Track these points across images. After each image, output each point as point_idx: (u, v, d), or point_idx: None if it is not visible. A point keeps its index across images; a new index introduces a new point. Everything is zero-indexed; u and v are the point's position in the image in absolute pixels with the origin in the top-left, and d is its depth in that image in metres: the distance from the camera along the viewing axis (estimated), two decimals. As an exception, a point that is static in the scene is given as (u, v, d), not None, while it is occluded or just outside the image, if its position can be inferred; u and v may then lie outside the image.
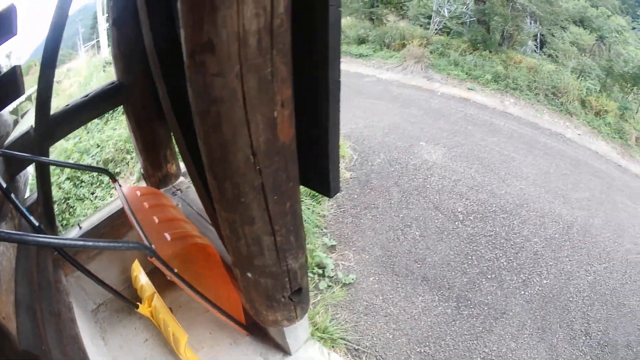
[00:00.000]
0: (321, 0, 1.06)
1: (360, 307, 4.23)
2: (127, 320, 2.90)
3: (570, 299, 4.87)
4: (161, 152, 3.20)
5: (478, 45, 11.37)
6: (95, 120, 6.91)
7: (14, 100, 1.97)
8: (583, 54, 12.46)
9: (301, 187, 1.50)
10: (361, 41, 12.35)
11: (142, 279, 2.72)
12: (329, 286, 4.32)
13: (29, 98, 8.28)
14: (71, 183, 6.14)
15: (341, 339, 3.75)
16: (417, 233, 5.20)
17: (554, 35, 12.79)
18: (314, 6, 1.09)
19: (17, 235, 1.01)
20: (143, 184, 3.46)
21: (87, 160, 6.65)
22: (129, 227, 2.94)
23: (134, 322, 2.89)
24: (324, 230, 5.12)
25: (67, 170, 6.26)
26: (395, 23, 13.37)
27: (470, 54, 11.10)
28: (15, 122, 7.85)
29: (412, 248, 5.00)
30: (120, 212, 2.94)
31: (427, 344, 4.04)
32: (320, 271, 4.45)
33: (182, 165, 3.44)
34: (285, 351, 2.74)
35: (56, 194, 5.92)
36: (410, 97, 9.35)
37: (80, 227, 2.98)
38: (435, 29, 12.70)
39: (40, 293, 1.83)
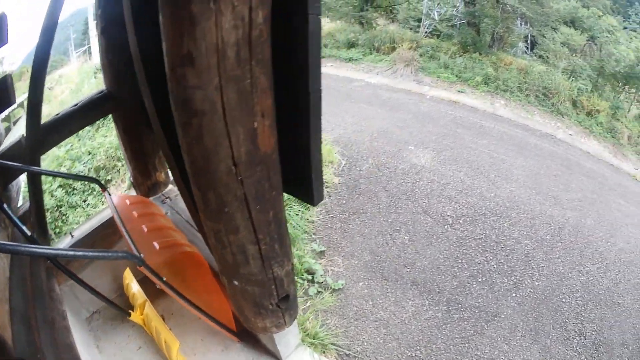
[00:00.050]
0: (301, 9, 1.08)
1: (350, 313, 4.29)
2: (121, 328, 2.95)
3: (563, 299, 4.96)
4: (150, 161, 3.27)
5: (468, 47, 11.55)
6: (87, 127, 6.95)
7: (5, 109, 2.02)
8: (574, 55, 12.66)
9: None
10: (351, 45, 12.50)
11: (133, 287, 2.79)
12: (319, 292, 4.38)
13: (21, 105, 8.33)
14: (63, 191, 6.20)
15: (332, 344, 3.81)
16: (406, 237, 5.28)
17: (544, 36, 12.99)
18: (294, 15, 1.12)
19: (10, 246, 1.04)
20: (134, 192, 3.53)
21: (79, 168, 6.70)
22: (119, 236, 2.99)
23: (127, 329, 2.94)
24: (313, 236, 5.18)
25: (59, 178, 6.33)
26: (385, 26, 13.53)
27: (460, 56, 11.27)
28: (8, 130, 7.91)
29: (401, 252, 5.07)
30: (111, 221, 2.99)
31: (418, 347, 4.10)
32: (310, 277, 4.51)
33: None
34: (276, 357, 2.80)
35: (48, 201, 5.98)
36: (399, 101, 9.48)
37: (72, 236, 3.05)
38: (425, 32, 12.87)
39: (34, 302, 1.87)
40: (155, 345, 2.75)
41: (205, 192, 1.30)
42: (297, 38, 1.15)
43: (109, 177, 6.60)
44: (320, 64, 1.20)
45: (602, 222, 6.55)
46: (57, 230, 5.81)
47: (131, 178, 3.40)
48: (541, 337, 4.46)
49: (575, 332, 4.60)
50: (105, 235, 3.07)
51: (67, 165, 6.78)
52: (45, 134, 2.42)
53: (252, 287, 1.70)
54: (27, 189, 2.81)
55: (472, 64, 10.84)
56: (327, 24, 14.58)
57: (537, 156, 7.85)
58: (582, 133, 9.69)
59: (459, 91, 10.17)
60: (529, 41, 13.60)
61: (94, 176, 6.35)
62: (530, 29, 13.10)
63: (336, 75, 11.10)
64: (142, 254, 1.80)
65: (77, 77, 12.65)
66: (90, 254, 1.59)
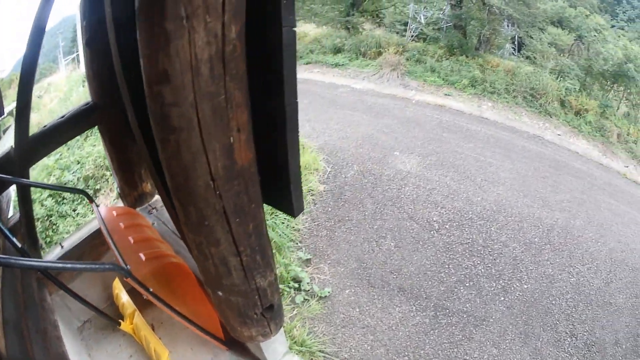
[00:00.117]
0: (274, 22, 1.10)
1: (338, 320, 4.37)
2: (112, 337, 2.99)
3: (553, 302, 5.05)
4: (136, 172, 3.33)
5: (455, 50, 11.77)
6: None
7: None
8: (562, 55, 12.89)
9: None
10: (337, 50, 12.69)
11: (123, 296, 2.84)
12: (305, 300, 4.45)
13: (10, 113, 8.36)
14: (53, 200, 6.27)
15: (320, 351, 3.89)
16: (392, 244, 5.37)
17: (531, 37, 13.22)
18: (268, 28, 1.12)
19: (1, 259, 1.10)
20: (122, 202, 3.59)
21: (68, 177, 6.78)
22: (108, 246, 3.05)
23: (118, 338, 2.98)
24: (299, 244, 5.26)
25: None
26: (371, 31, 13.74)
27: (447, 59, 11.47)
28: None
29: (387, 259, 5.16)
30: (100, 232, 3.05)
31: (406, 353, 4.17)
32: (296, 285, 4.58)
33: (158, 183, 3.55)
34: (264, 365, 2.87)
35: (39, 211, 6.07)
36: (384, 106, 9.63)
37: (62, 247, 3.11)
38: (412, 36, 13.08)
39: (26, 312, 1.92)
40: (146, 353, 2.80)
41: (186, 205, 1.35)
42: (271, 51, 1.18)
43: (97, 187, 6.70)
44: (295, 76, 1.24)
45: (592, 222, 6.68)
46: (48, 239, 5.88)
47: (118, 189, 3.46)
48: (531, 339, 4.55)
49: (567, 333, 4.69)
50: (94, 245, 3.13)
51: (56, 174, 6.87)
52: (34, 146, 2.47)
53: (236, 297, 1.74)
54: (17, 199, 2.87)
55: (459, 66, 11.04)
56: (314, 30, 14.77)
57: (525, 158, 8.00)
58: (571, 133, 9.87)
59: (445, 94, 10.35)
60: (516, 42, 13.84)
61: (84, 185, 6.58)
62: (517, 30, 13.34)
63: (322, 81, 11.24)
64: (128, 266, 1.85)
65: (66, 86, 12.73)
66: (79, 266, 1.65)
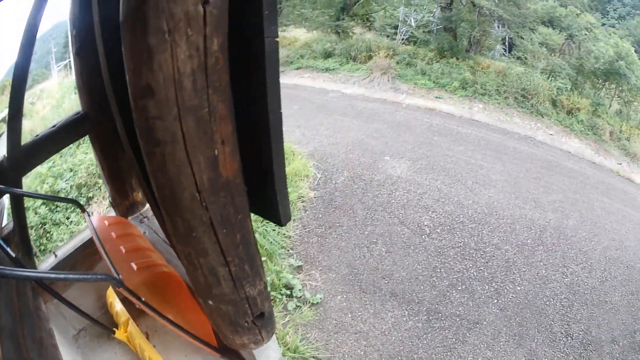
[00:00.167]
0: (256, 32, 1.11)
1: (330, 326, 4.42)
2: (107, 345, 3.02)
3: (548, 302, 5.13)
4: (127, 181, 3.35)
5: (445, 52, 11.89)
6: (67, 144, 7.12)
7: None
8: (552, 54, 13.07)
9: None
10: (327, 55, 12.79)
11: (116, 305, 2.88)
12: (298, 306, 4.51)
13: (3, 120, 8.43)
14: (47, 208, 6.33)
15: (313, 357, 3.96)
16: (383, 249, 5.43)
17: (522, 38, 13.40)
18: (251, 39, 1.16)
19: None
20: (113, 211, 3.64)
21: (61, 185, 6.86)
22: (100, 256, 3.10)
23: (113, 346, 3.02)
24: (290, 251, 5.32)
25: None
26: (361, 35, 13.85)
27: (438, 62, 11.60)
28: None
29: (378, 264, 5.21)
30: (93, 240, 3.10)
31: (399, 358, 4.23)
32: (288, 292, 4.64)
33: (149, 192, 3.59)
34: (258, 372, 2.91)
35: (32, 219, 6.14)
36: (374, 111, 9.72)
37: (55, 255, 3.13)
38: (402, 39, 13.19)
39: (22, 321, 1.95)
40: (142, 361, 2.86)
41: (173, 217, 1.37)
42: (254, 61, 1.19)
43: (90, 195, 6.78)
44: (278, 86, 1.25)
45: (585, 221, 6.77)
46: (42, 247, 5.96)
47: (110, 198, 3.50)
48: (526, 341, 4.61)
49: (562, 333, 4.77)
50: (87, 254, 3.16)
51: (49, 182, 6.94)
52: (25, 156, 2.50)
53: (226, 306, 1.76)
54: (10, 208, 2.91)
55: (450, 69, 11.16)
56: (304, 35, 14.91)
57: (516, 160, 8.09)
58: (563, 132, 9.99)
59: (436, 97, 10.46)
60: (506, 43, 14.00)
61: (77, 193, 6.66)
62: (508, 31, 13.49)
63: (312, 86, 11.34)
64: (120, 275, 1.88)
65: (58, 92, 12.77)
66: (72, 276, 1.69)
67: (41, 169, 6.94)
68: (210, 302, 1.75)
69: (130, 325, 2.69)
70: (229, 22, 1.04)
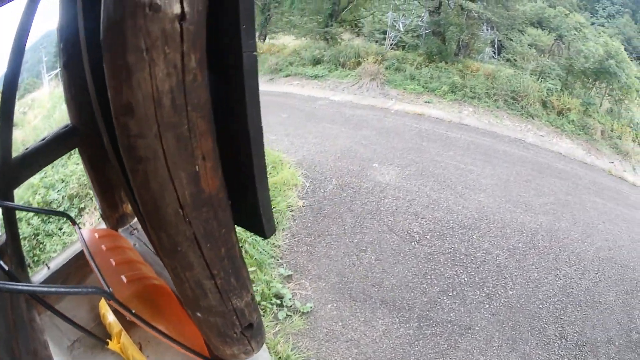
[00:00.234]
0: (234, 47, 1.11)
1: (321, 335, 4.45)
2: (102, 356, 3.04)
3: (540, 306, 5.18)
4: (116, 193, 3.39)
5: (434, 57, 12.05)
6: (59, 154, 7.22)
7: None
8: (542, 55, 13.24)
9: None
10: (316, 62, 12.94)
11: (109, 316, 2.92)
12: (288, 316, 4.54)
13: None
14: (39, 219, 6.41)
15: (304, 366, 3.95)
16: (372, 257, 5.47)
17: (511, 40, 13.58)
18: (229, 54, 1.14)
19: None
20: (103, 224, 3.68)
21: (53, 196, 6.93)
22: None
23: (108, 357, 3.03)
24: (280, 260, 5.35)
25: (35, 205, 6.59)
26: (350, 41, 14.05)
27: (427, 66, 11.74)
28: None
29: (368, 272, 5.26)
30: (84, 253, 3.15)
31: (391, 365, 4.26)
32: (278, 301, 4.66)
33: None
34: (249, 381, 2.94)
35: (25, 229, 6.21)
36: (363, 117, 9.81)
37: (48, 268, 3.16)
38: (391, 44, 13.35)
39: (16, 332, 1.99)
40: (134, 372, 2.89)
41: (158, 232, 1.40)
42: (232, 77, 1.21)
43: (82, 205, 6.82)
44: (258, 101, 1.26)
45: (577, 223, 6.85)
46: (35, 258, 6.02)
47: (100, 211, 3.53)
48: (519, 345, 4.66)
49: (556, 336, 4.82)
50: (79, 266, 3.20)
51: (41, 192, 7.00)
52: (16, 169, 2.53)
53: (214, 318, 1.80)
54: (2, 222, 2.94)
55: (439, 73, 11.31)
56: (293, 42, 15.06)
57: (506, 163, 8.19)
58: (554, 133, 10.13)
59: (425, 102, 10.59)
60: (495, 46, 14.19)
61: (68, 204, 6.72)
62: (497, 33, 13.67)
63: (300, 94, 11.46)
64: (110, 288, 1.91)
65: (49, 102, 12.86)
66: (63, 289, 1.72)
67: (33, 180, 7.04)
68: (199, 314, 1.79)
69: (123, 336, 2.73)
70: (207, 37, 1.06)
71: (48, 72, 15.74)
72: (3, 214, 2.68)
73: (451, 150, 8.33)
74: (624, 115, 11.76)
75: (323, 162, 7.44)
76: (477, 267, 5.51)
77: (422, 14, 13.41)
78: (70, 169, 7.36)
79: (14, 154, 2.49)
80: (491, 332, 4.74)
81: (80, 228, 2.86)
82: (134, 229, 3.65)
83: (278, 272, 5.13)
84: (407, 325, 4.68)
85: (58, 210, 6.27)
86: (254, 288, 4.72)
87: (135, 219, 3.69)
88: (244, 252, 5.03)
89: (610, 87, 11.88)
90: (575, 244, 6.31)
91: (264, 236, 1.64)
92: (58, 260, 3.27)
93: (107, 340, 2.66)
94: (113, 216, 3.51)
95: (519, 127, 10.04)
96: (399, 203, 6.47)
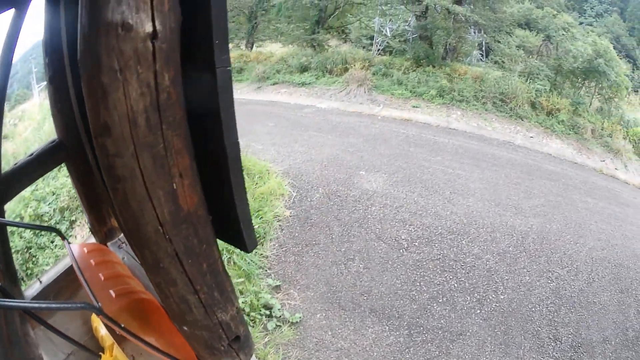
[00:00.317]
0: (207, 63, 1.12)
1: (311, 344, 4.47)
2: None
3: (533, 309, 5.22)
4: (104, 208, 3.41)
5: (421, 61, 12.21)
6: (50, 167, 7.33)
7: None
8: (530, 56, 13.40)
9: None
10: (303, 69, 13.08)
11: (101, 329, 2.96)
12: (277, 326, 4.56)
13: None
14: (31, 232, 6.49)
15: (295, 376, 3.98)
16: (360, 265, 5.51)
17: (499, 42, 13.76)
18: (202, 69, 1.15)
19: None
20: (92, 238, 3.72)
21: (45, 208, 7.02)
22: None
23: None
24: (268, 271, 5.38)
25: (27, 219, 6.70)
26: (337, 47, 14.20)
27: (414, 71, 11.90)
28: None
29: (356, 281, 5.29)
30: None
31: (382, 373, 4.28)
32: (267, 312, 4.69)
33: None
34: (239, 392, 2.97)
35: (18, 243, 6.30)
36: (350, 125, 9.90)
37: (40, 282, 3.20)
38: (378, 49, 13.51)
39: (11, 347, 2.01)
40: (128, 384, 2.92)
41: (140, 249, 1.43)
42: (206, 93, 1.22)
43: (73, 218, 6.86)
44: (234, 117, 1.27)
45: (569, 224, 6.92)
46: (29, 271, 6.10)
47: (88, 225, 3.57)
48: (512, 349, 4.69)
49: (550, 338, 4.86)
50: (70, 280, 3.23)
51: (33, 205, 7.09)
52: (6, 185, 2.55)
53: (201, 331, 1.82)
54: None
55: (426, 77, 11.45)
56: (280, 49, 15.20)
57: (495, 166, 8.28)
58: (544, 134, 10.26)
59: (413, 106, 10.70)
60: (483, 48, 14.38)
61: (60, 217, 6.81)
62: (484, 36, 13.84)
63: (287, 102, 11.56)
64: (100, 303, 1.94)
65: (39, 114, 12.98)
66: (53, 305, 1.74)
67: (25, 193, 7.17)
68: (185, 328, 1.81)
69: (116, 349, 2.78)
70: (182, 53, 1.08)
71: (38, 83, 15.88)
72: (-6, 229, 2.72)
73: (439, 155, 8.41)
74: (614, 113, 11.92)
75: (310, 171, 7.49)
76: (467, 273, 5.54)
77: (409, 19, 13.56)
78: (61, 182, 7.45)
79: (4, 168, 2.52)
80: (483, 337, 4.77)
81: (69, 243, 2.90)
82: (122, 243, 3.68)
83: (266, 282, 5.16)
84: (397, 333, 4.70)
85: (48, 226, 6.31)
86: (243, 299, 4.80)
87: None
88: (232, 263, 5.11)
89: (600, 85, 12.06)
90: (568, 245, 6.37)
91: (246, 250, 1.67)
92: (50, 274, 3.32)
93: (100, 353, 2.71)
94: (101, 230, 3.55)
95: (508, 129, 10.16)
96: (386, 210, 6.51)
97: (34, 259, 6.29)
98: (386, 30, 13.67)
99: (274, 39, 16.71)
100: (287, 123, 10.02)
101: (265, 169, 7.17)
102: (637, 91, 16.72)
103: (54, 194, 7.27)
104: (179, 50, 1.06)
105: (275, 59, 14.23)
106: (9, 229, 2.97)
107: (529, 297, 5.36)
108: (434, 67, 11.90)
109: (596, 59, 11.45)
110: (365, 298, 5.09)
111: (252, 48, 17.02)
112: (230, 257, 5.12)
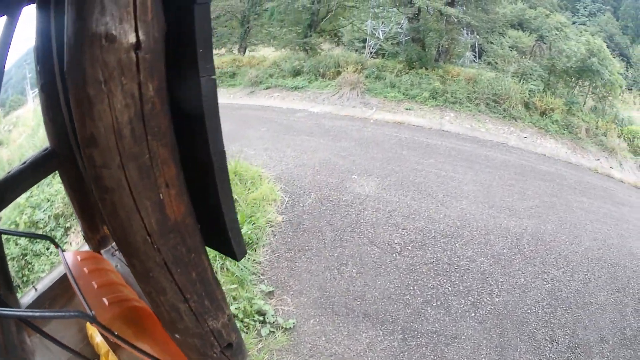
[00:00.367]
0: (191, 72, 1.13)
1: (305, 350, 4.47)
2: None
3: (529, 311, 5.23)
4: (97, 216, 3.42)
5: (414, 63, 12.27)
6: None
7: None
8: (523, 57, 13.48)
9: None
10: (296, 73, 13.13)
11: (96, 337, 2.97)
12: (271, 332, 4.56)
13: None
14: (27, 239, 6.51)
15: (289, 382, 3.97)
16: (353, 270, 5.52)
17: (492, 43, 13.85)
18: (187, 78, 1.15)
19: None
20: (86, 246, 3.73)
21: (39, 215, 7.06)
22: None
23: None
24: (261, 276, 5.38)
25: (22, 226, 6.73)
26: (329, 51, 14.27)
27: (407, 73, 11.96)
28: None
29: (350, 286, 5.29)
30: None
31: (376, 378, 4.28)
32: (261, 318, 4.69)
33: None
34: (235, 399, 2.97)
35: (13, 250, 6.34)
36: (342, 128, 9.93)
37: (35, 289, 3.20)
38: (370, 52, 13.58)
39: (8, 355, 2.02)
40: (123, 391, 2.93)
41: (130, 258, 1.44)
42: (191, 102, 1.22)
43: (68, 225, 6.88)
44: (219, 126, 1.28)
45: (564, 224, 6.95)
46: (25, 278, 6.12)
47: (82, 233, 3.58)
48: (508, 351, 4.69)
49: (546, 339, 4.86)
50: (65, 287, 3.23)
51: (28, 212, 7.11)
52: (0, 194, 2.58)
53: (192, 339, 1.84)
54: None
55: (419, 79, 11.51)
56: (272, 53, 15.24)
57: (489, 168, 8.31)
58: (538, 134, 10.31)
59: (406, 109, 10.75)
60: (476, 50, 14.47)
61: (55, 224, 6.86)
62: (477, 37, 13.93)
63: (279, 107, 11.58)
64: (93, 311, 1.94)
65: (34, 120, 13.02)
66: (47, 314, 1.77)
67: (20, 199, 7.25)
68: (177, 336, 1.82)
69: (111, 356, 2.80)
70: (167, 62, 1.09)
71: (32, 89, 15.95)
72: (-11, 237, 2.75)
73: (432, 157, 8.43)
74: (608, 112, 12.03)
75: (302, 176, 7.50)
76: (461, 276, 5.55)
77: (401, 21, 13.63)
78: (56, 188, 7.48)
79: (-1, 176, 2.56)
80: (478, 340, 4.78)
81: (63, 251, 2.92)
82: (116, 250, 3.70)
83: (259, 288, 5.15)
84: (392, 338, 4.71)
85: (41, 234, 6.37)
86: (236, 305, 4.79)
87: (117, 240, 3.76)
88: (224, 269, 5.12)
89: (594, 84, 12.17)
90: (563, 246, 6.39)
91: (235, 259, 1.71)
92: (45, 282, 3.35)
93: None
94: (95, 238, 3.56)
95: (501, 130, 10.22)
96: (379, 214, 6.53)
97: (29, 266, 6.34)
98: (378, 33, 13.75)
99: (266, 43, 16.78)
100: (279, 127, 10.03)
101: (258, 174, 7.18)
102: (631, 89, 16.86)
103: (48, 201, 7.32)
104: (163, 60, 1.07)
105: (268, 63, 14.28)
106: (4, 236, 2.99)
107: (524, 299, 5.37)
108: (426, 69, 11.96)
109: (590, 58, 11.55)
110: (358, 303, 5.09)
111: (244, 52, 17.07)
112: (223, 264, 5.13)
